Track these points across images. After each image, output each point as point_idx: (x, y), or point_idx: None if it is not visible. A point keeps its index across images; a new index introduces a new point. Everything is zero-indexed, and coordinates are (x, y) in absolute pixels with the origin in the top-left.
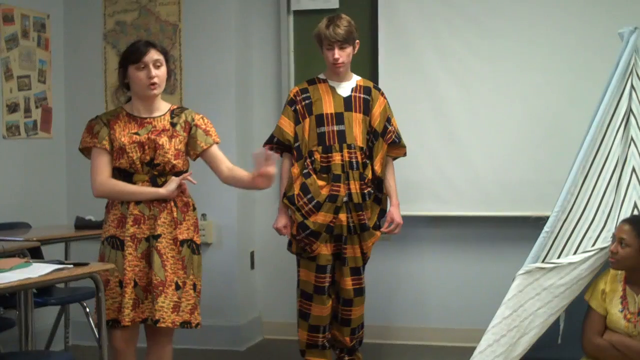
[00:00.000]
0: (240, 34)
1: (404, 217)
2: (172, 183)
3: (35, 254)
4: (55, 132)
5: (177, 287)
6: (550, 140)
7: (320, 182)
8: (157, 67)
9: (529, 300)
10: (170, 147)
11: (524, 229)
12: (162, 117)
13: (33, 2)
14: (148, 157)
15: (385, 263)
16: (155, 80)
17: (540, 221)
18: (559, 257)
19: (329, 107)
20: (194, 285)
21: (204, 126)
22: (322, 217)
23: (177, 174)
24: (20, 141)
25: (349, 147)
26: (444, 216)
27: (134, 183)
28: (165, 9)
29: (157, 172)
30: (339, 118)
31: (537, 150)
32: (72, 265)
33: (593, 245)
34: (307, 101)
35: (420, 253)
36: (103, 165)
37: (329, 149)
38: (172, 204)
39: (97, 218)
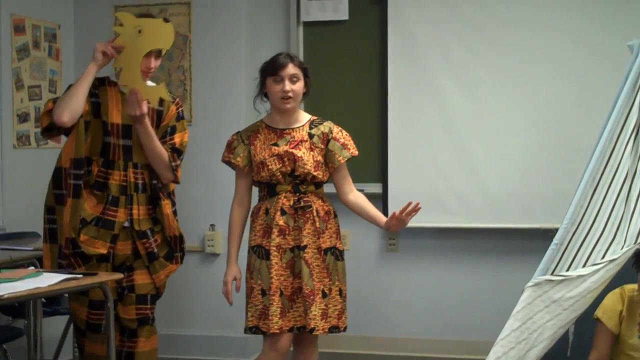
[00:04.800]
0: (250, 44)
1: (412, 229)
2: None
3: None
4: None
5: (324, 295)
6: (559, 151)
7: (91, 201)
8: (293, 82)
9: (537, 313)
10: (309, 158)
11: (532, 241)
12: (301, 127)
13: (44, 13)
14: (289, 169)
15: (393, 274)
16: (290, 94)
17: (550, 233)
18: (568, 269)
19: (116, 116)
20: (340, 291)
21: (342, 139)
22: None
23: (319, 184)
24: (30, 151)
25: (135, 166)
26: (452, 228)
27: (277, 193)
28: (176, 20)
29: (299, 181)
30: (126, 131)
31: (547, 161)
32: (81, 275)
33: (602, 257)
34: (93, 99)
35: (428, 265)
36: (238, 184)
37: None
38: (315, 213)
39: None
